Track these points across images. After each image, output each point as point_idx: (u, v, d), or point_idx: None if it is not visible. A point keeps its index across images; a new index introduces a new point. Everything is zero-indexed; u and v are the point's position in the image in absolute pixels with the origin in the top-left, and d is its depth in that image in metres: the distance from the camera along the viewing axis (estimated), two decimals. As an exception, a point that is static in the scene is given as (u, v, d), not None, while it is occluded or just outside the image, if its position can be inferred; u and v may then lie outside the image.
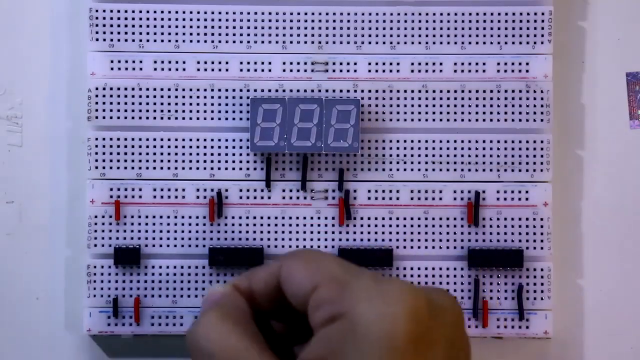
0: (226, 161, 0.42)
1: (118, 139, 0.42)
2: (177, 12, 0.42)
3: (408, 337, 0.27)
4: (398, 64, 0.42)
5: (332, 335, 0.28)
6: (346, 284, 0.29)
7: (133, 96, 0.42)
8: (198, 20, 0.42)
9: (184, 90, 0.42)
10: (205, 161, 0.42)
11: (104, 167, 0.42)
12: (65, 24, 0.43)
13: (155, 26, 0.42)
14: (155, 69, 0.42)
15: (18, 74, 0.43)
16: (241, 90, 0.42)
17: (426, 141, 0.42)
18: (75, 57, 0.43)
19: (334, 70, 0.42)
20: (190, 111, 0.42)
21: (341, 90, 0.42)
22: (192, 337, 0.30)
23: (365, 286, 0.29)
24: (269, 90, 0.42)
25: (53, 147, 0.43)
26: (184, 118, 0.42)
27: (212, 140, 0.42)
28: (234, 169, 0.42)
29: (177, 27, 0.42)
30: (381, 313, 0.28)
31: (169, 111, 0.42)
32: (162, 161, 0.42)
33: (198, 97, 0.42)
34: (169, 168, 0.42)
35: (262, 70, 0.42)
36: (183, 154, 0.42)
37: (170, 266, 0.42)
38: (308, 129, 0.41)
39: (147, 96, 0.42)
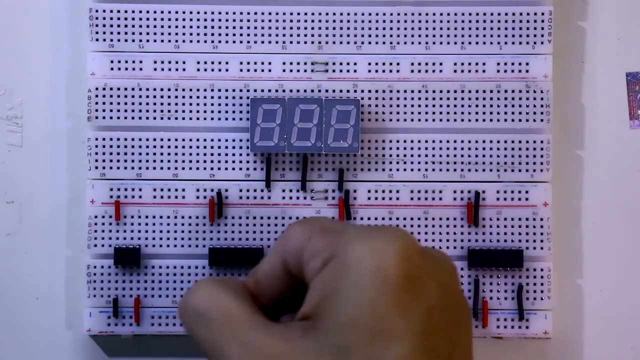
0: (226, 161, 0.42)
1: (118, 139, 0.42)
2: (177, 12, 0.42)
3: (400, 272, 0.28)
4: (398, 64, 0.42)
5: (326, 277, 0.29)
6: (338, 231, 0.30)
7: (133, 96, 0.42)
8: (198, 20, 0.42)
9: (184, 90, 0.42)
10: (205, 161, 0.42)
11: (104, 167, 0.42)
12: (65, 24, 0.43)
13: (155, 26, 0.42)
14: (155, 69, 0.42)
15: (18, 74, 0.43)
16: (241, 90, 0.42)
17: (426, 141, 0.42)
18: (75, 57, 0.43)
19: (334, 70, 0.42)
20: (190, 111, 0.42)
21: (341, 91, 0.42)
22: (183, 302, 0.31)
23: (357, 230, 0.29)
24: (269, 90, 0.42)
25: (53, 147, 0.43)
26: (184, 118, 0.42)
27: (212, 140, 0.42)
28: (234, 169, 0.42)
29: (177, 27, 0.42)
30: (373, 249, 0.28)
31: (169, 111, 0.42)
32: (162, 161, 0.42)
33: (198, 97, 0.42)
34: (169, 168, 0.42)
35: (262, 70, 0.42)
36: (183, 154, 0.42)
37: (170, 266, 0.42)
38: (308, 129, 0.41)
39: (147, 96, 0.42)
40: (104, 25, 0.42)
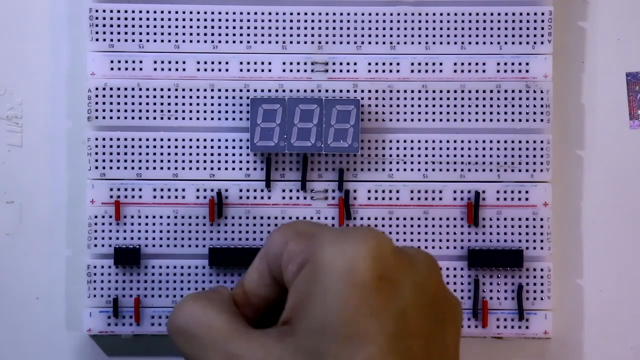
0: (226, 161, 0.42)
1: (118, 139, 0.42)
2: (177, 12, 0.42)
3: (370, 273, 0.28)
4: (398, 64, 0.42)
5: (301, 282, 0.29)
6: (312, 235, 0.30)
7: (133, 96, 0.42)
8: (198, 20, 0.42)
9: (184, 90, 0.42)
10: (205, 161, 0.42)
11: (104, 167, 0.42)
12: (65, 24, 0.43)
13: (155, 26, 0.42)
14: (155, 69, 0.42)
15: (18, 74, 0.43)
16: (241, 90, 0.42)
17: (426, 141, 0.42)
18: (75, 57, 0.43)
19: (334, 70, 0.42)
20: (190, 111, 0.42)
21: (341, 90, 0.42)
22: (169, 322, 0.31)
23: (330, 233, 0.29)
24: (269, 90, 0.42)
25: (53, 147, 0.43)
26: (184, 118, 0.42)
27: (212, 140, 0.42)
28: (234, 169, 0.42)
29: (177, 27, 0.42)
30: (343, 251, 0.28)
31: (169, 111, 0.42)
32: (162, 161, 0.42)
33: (198, 97, 0.42)
34: (169, 168, 0.42)
35: (262, 70, 0.42)
36: (183, 154, 0.42)
37: (170, 266, 0.42)
38: (308, 129, 0.41)
39: (147, 96, 0.42)
40: (104, 25, 0.42)
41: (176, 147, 0.42)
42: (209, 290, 0.33)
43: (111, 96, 0.42)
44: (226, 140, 0.42)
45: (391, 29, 0.42)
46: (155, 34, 0.42)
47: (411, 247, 0.31)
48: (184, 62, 0.42)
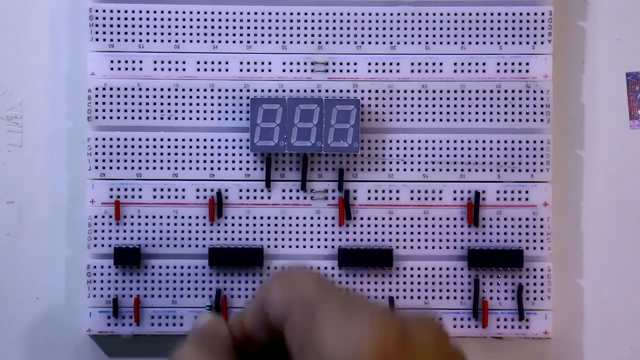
0: (226, 161, 0.42)
1: (118, 139, 0.42)
2: (177, 12, 0.42)
3: None
4: (398, 64, 0.42)
5: None
6: (315, 307, 0.29)
7: (133, 96, 0.42)
8: (198, 20, 0.42)
9: (184, 90, 0.42)
10: (205, 161, 0.42)
11: (104, 167, 0.42)
12: (65, 24, 0.43)
13: (155, 26, 0.42)
14: (155, 69, 0.42)
15: (18, 74, 0.43)
16: (241, 90, 0.42)
17: (426, 141, 0.42)
18: (75, 57, 0.43)
19: (334, 70, 0.42)
20: (190, 111, 0.42)
21: (341, 90, 0.42)
22: None
23: (333, 314, 0.28)
24: (269, 90, 0.42)
25: (53, 147, 0.43)
26: (184, 118, 0.42)
27: (212, 140, 0.42)
28: (234, 169, 0.42)
29: (177, 27, 0.42)
30: (345, 341, 0.27)
31: (169, 111, 0.42)
32: (162, 161, 0.42)
33: (198, 97, 0.42)
34: (169, 168, 0.42)
35: (262, 70, 0.42)
36: (183, 154, 0.42)
37: (170, 266, 0.42)
38: (308, 129, 0.41)
39: (147, 96, 0.42)
40: (104, 25, 0.42)
41: (176, 147, 0.42)
42: (209, 333, 0.32)
43: (111, 96, 0.42)
44: (226, 140, 0.42)
45: (391, 29, 0.42)
46: (155, 34, 0.42)
47: (416, 318, 0.30)
48: (184, 62, 0.42)
